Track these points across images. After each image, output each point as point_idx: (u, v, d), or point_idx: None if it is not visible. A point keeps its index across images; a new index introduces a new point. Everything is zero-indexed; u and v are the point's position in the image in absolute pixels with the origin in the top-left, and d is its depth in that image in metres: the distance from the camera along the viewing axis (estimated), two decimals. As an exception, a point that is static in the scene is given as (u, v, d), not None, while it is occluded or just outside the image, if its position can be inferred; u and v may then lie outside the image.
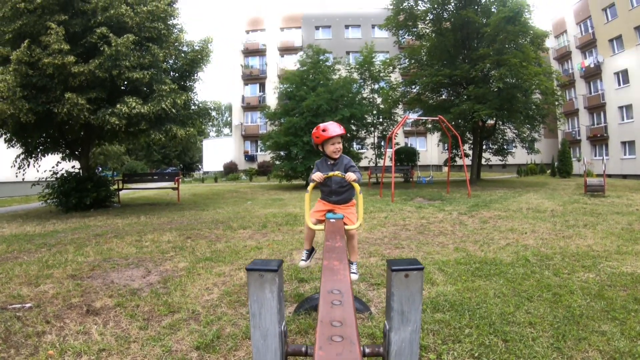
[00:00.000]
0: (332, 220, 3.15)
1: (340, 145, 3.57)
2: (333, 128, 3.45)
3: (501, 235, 6.79)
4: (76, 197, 12.49)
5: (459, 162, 22.96)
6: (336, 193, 3.61)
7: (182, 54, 13.01)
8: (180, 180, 15.51)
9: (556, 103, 22.74)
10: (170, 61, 13.09)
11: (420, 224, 8.11)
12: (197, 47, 13.11)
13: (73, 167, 13.77)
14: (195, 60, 12.98)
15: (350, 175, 3.34)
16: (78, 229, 8.55)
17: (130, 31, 10.96)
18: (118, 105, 10.53)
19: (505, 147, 25.42)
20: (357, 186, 3.36)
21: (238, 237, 7.07)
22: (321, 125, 3.51)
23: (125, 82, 11.22)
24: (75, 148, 13.80)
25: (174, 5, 12.77)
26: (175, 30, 12.97)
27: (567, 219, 8.31)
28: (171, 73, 12.98)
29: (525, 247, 5.87)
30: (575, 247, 5.73)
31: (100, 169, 35.71)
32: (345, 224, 3.23)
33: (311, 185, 3.45)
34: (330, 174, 3.39)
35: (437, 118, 15.20)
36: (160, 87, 11.04)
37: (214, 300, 3.84)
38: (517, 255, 5.32)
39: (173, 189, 15.79)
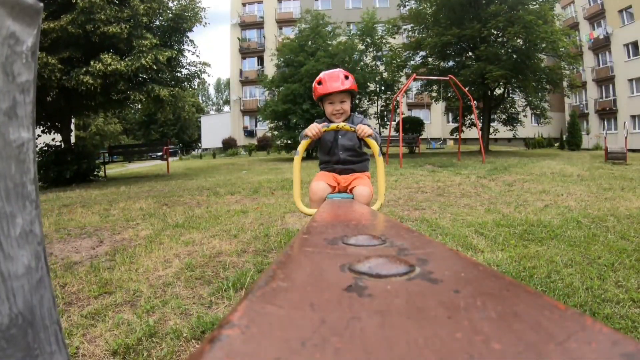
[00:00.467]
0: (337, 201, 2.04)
1: (346, 106, 2.47)
2: (332, 82, 2.40)
3: (535, 197, 5.77)
4: (55, 170, 11.49)
5: (465, 134, 21.85)
6: (345, 162, 2.55)
7: (167, 10, 11.78)
8: (169, 150, 14.37)
9: (574, 67, 21.43)
10: (156, 22, 11.90)
11: (436, 186, 7.07)
12: (182, 1, 11.87)
13: (53, 139, 12.70)
14: (181, 16, 11.75)
15: (365, 129, 2.25)
16: (47, 201, 7.50)
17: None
18: (92, 63, 9.41)
19: (515, 116, 24.16)
20: (374, 145, 2.26)
21: (223, 203, 6.04)
22: (321, 75, 2.48)
23: (101, 38, 10.05)
24: (55, 120, 12.73)
25: None
26: None
27: (599, 182, 7.34)
28: (154, 31, 11.78)
29: (569, 208, 4.87)
30: (625, 210, 4.79)
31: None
32: None
33: (302, 144, 2.33)
34: (333, 125, 2.27)
35: (447, 78, 14.02)
36: (140, 42, 9.88)
37: (168, 276, 2.80)
38: (564, 217, 4.32)
39: (162, 159, 14.69)
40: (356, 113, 2.71)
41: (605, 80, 33.66)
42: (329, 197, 2.31)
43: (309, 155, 18.65)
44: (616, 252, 3.03)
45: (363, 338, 0.28)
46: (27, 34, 0.63)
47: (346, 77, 2.45)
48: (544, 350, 0.24)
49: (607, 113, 33.43)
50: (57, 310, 0.62)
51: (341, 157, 2.59)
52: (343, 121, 2.49)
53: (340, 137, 2.59)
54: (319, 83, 2.49)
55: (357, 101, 22.18)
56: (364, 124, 2.39)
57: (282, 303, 0.35)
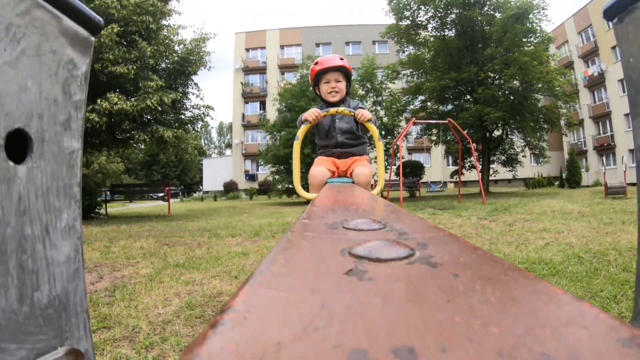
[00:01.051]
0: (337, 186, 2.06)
1: (341, 85, 2.52)
2: (328, 59, 2.47)
3: (535, 235, 5.74)
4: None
5: (465, 176, 21.95)
6: (343, 146, 2.57)
7: (173, 53, 12.14)
8: (171, 191, 14.39)
9: (570, 106, 21.80)
10: (163, 64, 12.24)
11: (437, 227, 7.03)
12: (188, 46, 12.24)
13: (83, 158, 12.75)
14: (186, 59, 12.09)
15: (364, 113, 2.29)
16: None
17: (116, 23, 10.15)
18: (98, 101, 9.61)
19: (514, 157, 24.34)
20: (374, 129, 2.30)
21: (223, 244, 6.01)
22: (318, 59, 2.55)
23: (109, 78, 10.31)
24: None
25: (169, 5, 11.97)
26: (166, 28, 12.14)
27: (600, 217, 7.32)
28: (160, 73, 12.10)
29: (570, 245, 4.84)
30: (626, 242, 4.76)
31: None
32: None
33: (302, 129, 2.36)
34: (333, 110, 2.31)
35: (446, 121, 14.24)
36: (146, 84, 10.13)
37: (168, 314, 2.77)
38: (565, 254, 4.29)
39: (164, 199, 14.68)
40: (352, 98, 2.74)
41: (602, 117, 34.08)
42: (328, 181, 2.30)
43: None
44: (618, 284, 3.00)
45: (364, 322, 0.28)
46: (82, 61, 0.78)
47: (341, 59, 2.53)
48: (542, 334, 0.25)
49: (606, 149, 33.65)
50: (87, 300, 0.68)
51: (339, 140, 2.58)
52: (338, 101, 2.53)
53: (337, 120, 2.60)
54: (316, 64, 2.55)
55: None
56: (360, 107, 2.44)
57: (283, 287, 0.34)
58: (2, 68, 0.65)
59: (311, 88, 2.70)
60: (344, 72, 2.55)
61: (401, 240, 0.49)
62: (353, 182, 2.29)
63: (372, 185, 2.56)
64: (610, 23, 1.41)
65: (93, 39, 0.80)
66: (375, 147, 2.47)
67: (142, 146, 14.14)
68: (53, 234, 0.61)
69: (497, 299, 0.30)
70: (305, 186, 2.47)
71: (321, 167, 2.51)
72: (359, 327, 0.26)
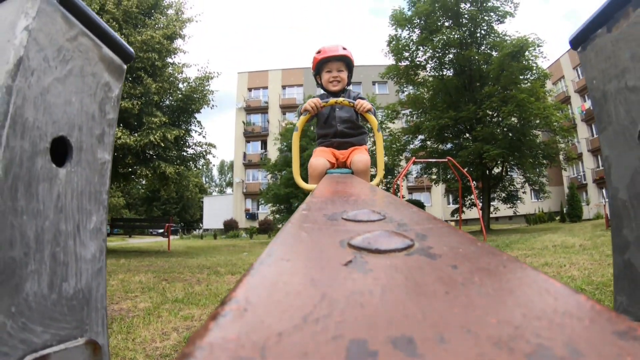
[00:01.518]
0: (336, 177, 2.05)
1: (343, 75, 2.56)
2: (331, 48, 2.51)
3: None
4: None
5: (465, 214, 21.90)
6: (342, 135, 2.57)
7: (177, 90, 12.39)
8: (171, 227, 14.34)
9: (568, 140, 22.01)
10: (167, 101, 12.47)
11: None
12: (192, 84, 12.50)
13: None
14: (190, 97, 12.32)
15: (364, 103, 2.32)
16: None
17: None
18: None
19: (514, 193, 24.34)
20: (373, 120, 2.34)
21: (223, 281, 5.96)
22: (320, 47, 2.59)
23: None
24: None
25: (174, 44, 12.31)
26: (171, 66, 12.43)
27: (602, 250, 7.25)
28: (164, 109, 12.30)
29: (572, 278, 4.80)
30: (629, 279, 4.65)
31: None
32: None
33: (302, 119, 2.39)
34: (332, 100, 2.34)
35: (446, 160, 14.37)
36: (150, 120, 10.29)
37: (166, 348, 2.73)
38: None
39: (163, 236, 14.61)
40: (352, 90, 2.75)
41: (600, 150, 34.23)
42: (328, 172, 2.29)
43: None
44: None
45: (363, 312, 0.28)
46: (116, 85, 0.92)
47: (344, 48, 2.54)
48: (539, 325, 0.25)
49: (605, 182, 33.63)
50: (106, 299, 0.75)
51: (338, 128, 2.57)
52: (339, 91, 2.54)
53: (337, 109, 2.59)
54: (318, 52, 2.56)
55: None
56: (360, 97, 2.46)
57: (283, 279, 0.35)
58: (53, 83, 0.75)
59: (315, 81, 2.73)
60: (346, 61, 2.57)
61: (400, 232, 0.49)
62: (352, 172, 2.29)
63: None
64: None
65: (125, 66, 0.91)
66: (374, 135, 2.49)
67: (144, 181, 14.23)
68: (83, 233, 0.67)
69: (495, 291, 0.31)
70: (305, 177, 2.47)
71: (321, 158, 2.49)
72: (358, 318, 0.27)
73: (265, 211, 33.81)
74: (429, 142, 22.11)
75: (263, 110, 44.83)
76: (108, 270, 5.19)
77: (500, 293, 0.31)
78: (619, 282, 1.52)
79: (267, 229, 34.35)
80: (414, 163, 15.55)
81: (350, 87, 2.79)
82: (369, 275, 0.36)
